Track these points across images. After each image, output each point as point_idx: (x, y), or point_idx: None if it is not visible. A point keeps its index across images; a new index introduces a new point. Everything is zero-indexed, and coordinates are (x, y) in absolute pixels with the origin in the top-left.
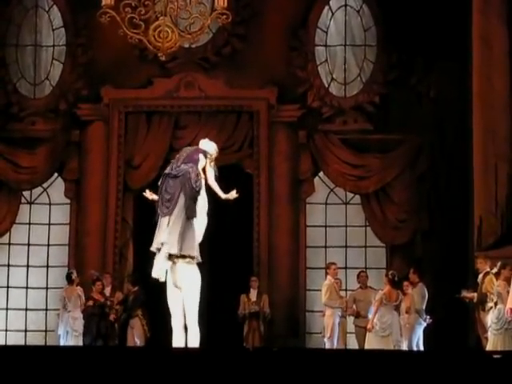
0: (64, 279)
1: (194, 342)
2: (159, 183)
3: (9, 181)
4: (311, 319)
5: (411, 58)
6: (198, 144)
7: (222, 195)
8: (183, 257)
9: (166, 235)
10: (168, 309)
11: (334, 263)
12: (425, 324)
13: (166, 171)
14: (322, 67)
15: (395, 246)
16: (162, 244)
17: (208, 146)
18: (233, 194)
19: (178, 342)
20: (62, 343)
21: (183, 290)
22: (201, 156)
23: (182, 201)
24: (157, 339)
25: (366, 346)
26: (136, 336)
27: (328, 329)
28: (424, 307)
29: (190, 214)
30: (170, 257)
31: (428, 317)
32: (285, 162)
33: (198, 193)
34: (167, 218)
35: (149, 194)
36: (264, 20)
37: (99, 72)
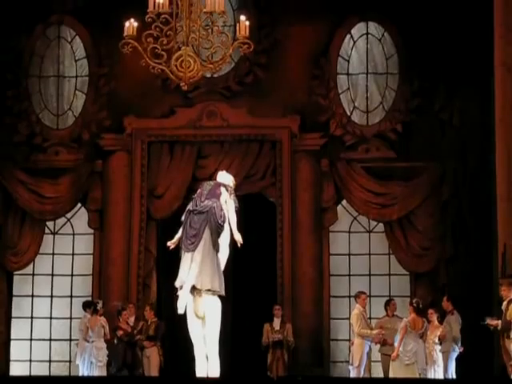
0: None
1: (215, 371)
2: (182, 219)
3: (33, 211)
4: (335, 348)
5: (433, 85)
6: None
7: (235, 232)
8: (207, 290)
9: (190, 271)
10: (183, 339)
11: (364, 292)
12: (458, 352)
13: (190, 208)
14: (344, 95)
15: (419, 273)
16: (185, 281)
17: (226, 178)
18: (239, 240)
19: (200, 370)
20: (85, 373)
21: (205, 321)
22: (222, 190)
23: (207, 235)
24: (171, 369)
25: (391, 375)
26: (152, 365)
27: (357, 358)
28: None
29: (217, 248)
30: (193, 289)
31: (459, 345)
32: (308, 191)
33: (222, 227)
34: (191, 253)
35: (172, 245)
36: (286, 49)
37: (122, 102)
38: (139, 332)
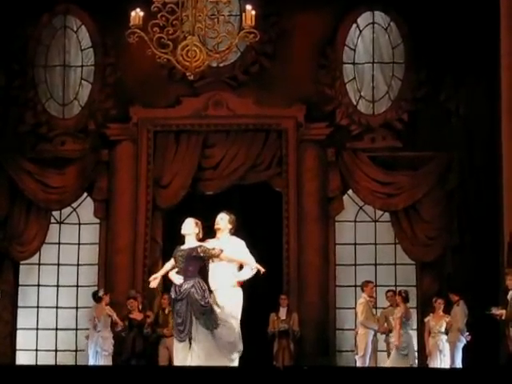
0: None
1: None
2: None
3: (39, 201)
4: (341, 337)
5: (439, 74)
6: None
7: (254, 265)
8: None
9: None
10: None
11: (371, 281)
12: (465, 341)
13: (173, 296)
14: (350, 85)
15: (425, 263)
16: None
17: (187, 227)
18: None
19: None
20: (91, 363)
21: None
22: (196, 262)
23: (195, 322)
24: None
25: (389, 364)
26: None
27: (361, 347)
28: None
29: (212, 327)
30: None
31: (467, 333)
32: (313, 180)
33: (206, 307)
34: (183, 344)
35: (153, 284)
36: (292, 38)
37: (128, 92)
38: (154, 323)
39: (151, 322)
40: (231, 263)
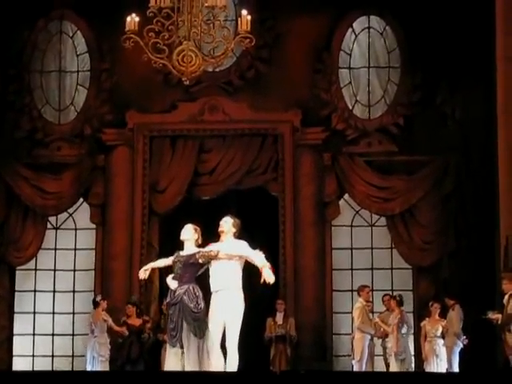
0: (91, 304)
1: (233, 366)
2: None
3: (35, 206)
4: (338, 342)
5: (435, 78)
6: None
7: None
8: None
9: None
10: None
11: (367, 286)
12: (461, 346)
13: (167, 300)
14: (346, 89)
15: (422, 267)
16: None
17: (186, 233)
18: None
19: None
20: (88, 368)
21: (227, 315)
22: (193, 269)
23: (186, 329)
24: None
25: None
26: None
27: (358, 352)
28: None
29: (200, 335)
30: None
31: (464, 337)
32: (310, 185)
33: (199, 314)
34: (175, 349)
35: (143, 275)
36: (287, 43)
37: (124, 97)
38: (156, 328)
39: (150, 327)
40: (231, 262)
